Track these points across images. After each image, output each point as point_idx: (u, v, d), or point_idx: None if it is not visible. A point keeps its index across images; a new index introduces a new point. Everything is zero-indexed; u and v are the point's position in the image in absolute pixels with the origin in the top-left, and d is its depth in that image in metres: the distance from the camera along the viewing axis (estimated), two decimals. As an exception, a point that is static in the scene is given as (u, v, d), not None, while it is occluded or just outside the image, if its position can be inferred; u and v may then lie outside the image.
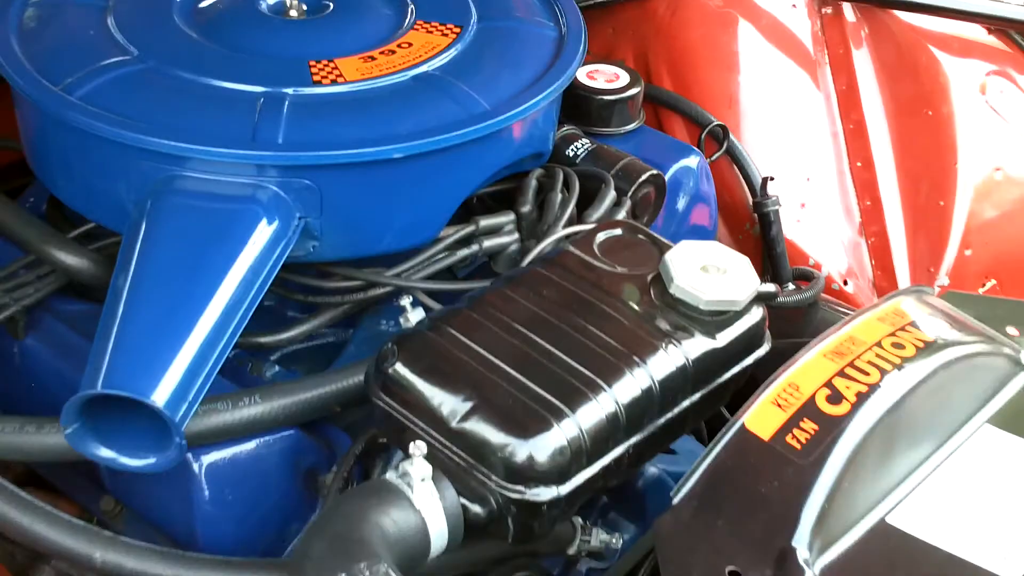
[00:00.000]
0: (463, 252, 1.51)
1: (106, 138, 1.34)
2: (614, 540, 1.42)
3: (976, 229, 2.03)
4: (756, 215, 1.93)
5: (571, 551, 1.41)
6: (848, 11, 2.13)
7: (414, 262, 1.48)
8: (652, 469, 1.52)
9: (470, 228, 1.52)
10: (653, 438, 1.27)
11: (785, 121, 2.06)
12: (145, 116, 1.36)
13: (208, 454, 1.33)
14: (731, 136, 1.93)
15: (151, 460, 1.21)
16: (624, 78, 1.81)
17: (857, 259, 2.04)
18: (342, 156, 1.34)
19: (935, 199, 2.04)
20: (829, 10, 2.14)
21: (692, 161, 1.78)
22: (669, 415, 1.28)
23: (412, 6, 1.59)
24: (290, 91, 1.40)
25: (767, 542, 1.12)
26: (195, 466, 1.32)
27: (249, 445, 1.35)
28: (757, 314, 1.35)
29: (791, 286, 1.91)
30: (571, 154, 1.68)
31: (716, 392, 1.32)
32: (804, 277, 1.90)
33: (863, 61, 2.11)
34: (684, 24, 2.05)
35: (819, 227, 2.02)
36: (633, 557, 1.42)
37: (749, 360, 1.34)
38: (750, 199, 1.95)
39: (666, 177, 1.70)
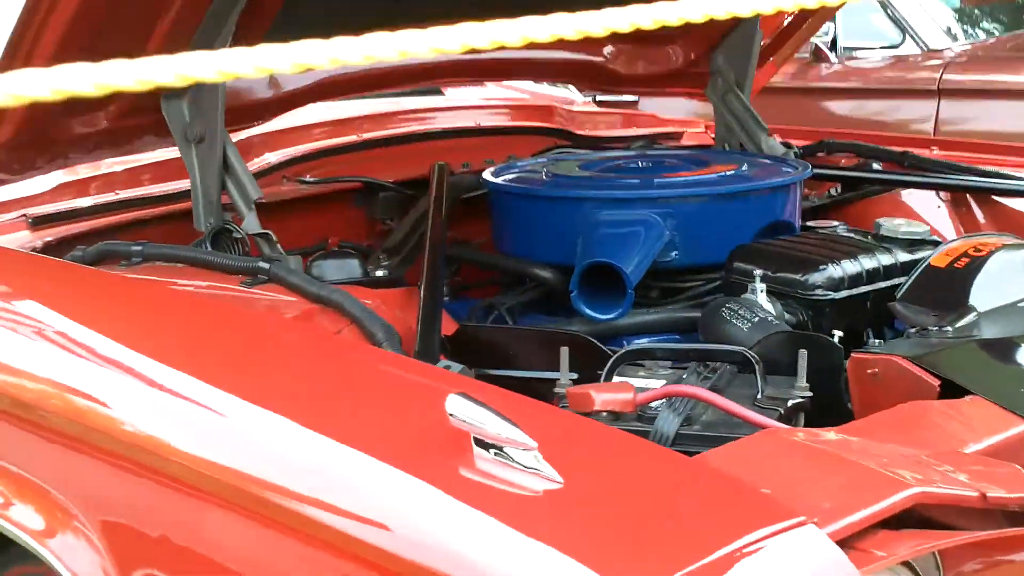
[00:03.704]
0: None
1: (573, 198, 2.57)
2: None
3: None
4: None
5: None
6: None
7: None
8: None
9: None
10: (878, 294, 2.32)
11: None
12: (584, 188, 2.60)
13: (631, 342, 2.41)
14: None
15: (614, 314, 2.31)
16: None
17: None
18: (686, 191, 2.55)
19: None
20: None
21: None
22: (885, 283, 2.34)
23: (708, 156, 2.83)
24: (656, 178, 2.63)
25: (952, 303, 2.15)
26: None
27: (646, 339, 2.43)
28: (929, 247, 2.44)
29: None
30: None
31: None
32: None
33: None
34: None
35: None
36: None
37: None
38: None
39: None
